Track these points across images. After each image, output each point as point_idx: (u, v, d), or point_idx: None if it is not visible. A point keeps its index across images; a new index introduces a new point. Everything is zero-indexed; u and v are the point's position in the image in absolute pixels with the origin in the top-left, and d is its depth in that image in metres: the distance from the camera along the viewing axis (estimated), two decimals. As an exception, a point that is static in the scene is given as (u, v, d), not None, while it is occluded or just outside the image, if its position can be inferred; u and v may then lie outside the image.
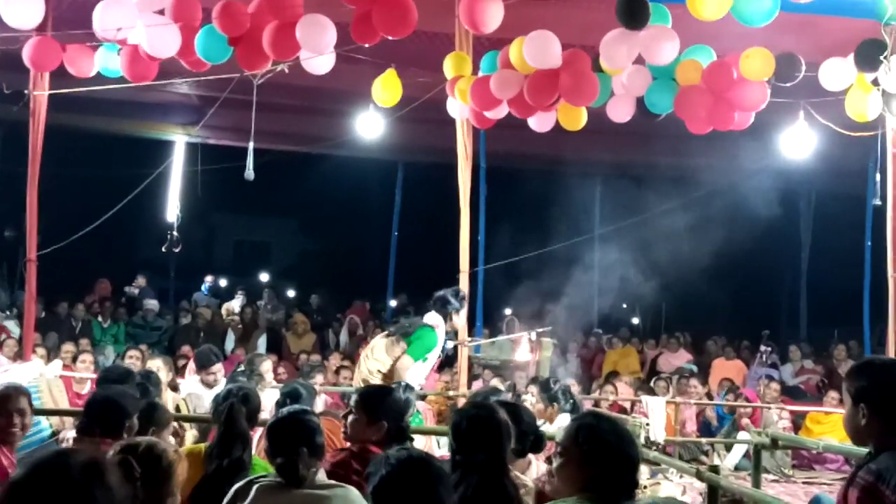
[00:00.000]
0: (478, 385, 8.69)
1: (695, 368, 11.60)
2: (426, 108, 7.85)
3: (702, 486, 5.70)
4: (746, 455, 8.65)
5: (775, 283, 18.35)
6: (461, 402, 7.35)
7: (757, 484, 6.32)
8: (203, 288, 16.66)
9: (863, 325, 11.55)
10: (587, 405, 8.35)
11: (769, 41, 6.52)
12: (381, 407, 3.78)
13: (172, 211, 11.10)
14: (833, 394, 9.53)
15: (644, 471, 6.32)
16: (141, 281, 14.53)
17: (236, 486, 3.25)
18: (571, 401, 5.93)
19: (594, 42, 6.10)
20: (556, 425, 5.48)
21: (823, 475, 8.97)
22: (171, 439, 4.14)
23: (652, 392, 9.61)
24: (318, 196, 21.05)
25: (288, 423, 3.31)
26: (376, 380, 6.13)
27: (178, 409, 6.12)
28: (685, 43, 6.24)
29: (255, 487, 3.16)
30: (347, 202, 21.68)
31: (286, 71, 6.38)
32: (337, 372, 9.52)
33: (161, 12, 5.96)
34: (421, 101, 7.72)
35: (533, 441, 3.83)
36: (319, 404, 6.40)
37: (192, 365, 7.21)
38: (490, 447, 3.18)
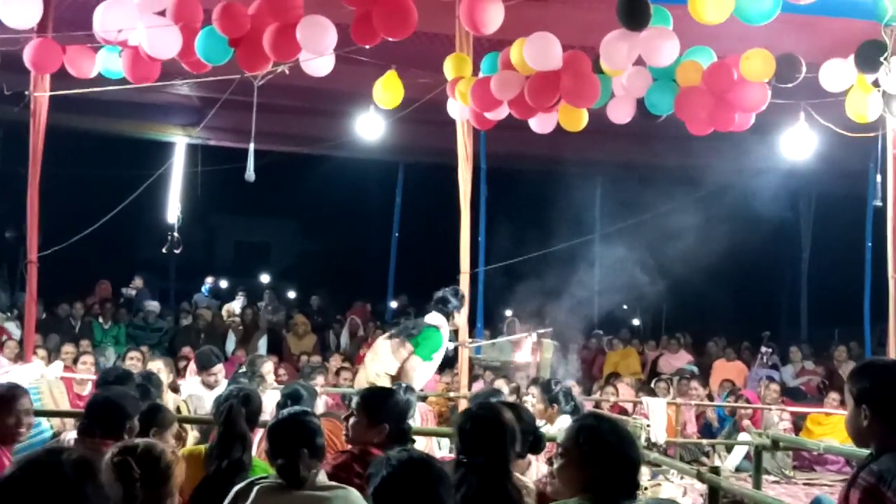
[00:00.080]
0: (478, 386, 8.69)
1: (695, 370, 11.59)
2: (426, 109, 7.85)
3: (702, 487, 5.70)
4: (747, 456, 8.64)
5: (776, 284, 18.35)
6: (462, 403, 7.37)
7: (758, 485, 6.31)
8: (203, 289, 16.66)
9: (863, 326, 11.55)
10: (588, 406, 8.35)
11: (769, 42, 6.52)
12: (383, 409, 3.78)
13: (173, 212, 11.11)
14: (834, 395, 9.53)
15: (645, 472, 6.31)
16: (138, 282, 14.52)
17: (237, 487, 3.25)
18: (572, 403, 5.93)
19: (594, 43, 6.10)
20: (557, 427, 5.47)
21: (824, 476, 8.96)
22: (173, 441, 4.13)
23: (653, 393, 9.60)
24: (319, 197, 21.07)
25: (288, 425, 3.31)
26: (384, 382, 6.13)
27: (178, 410, 6.10)
28: (685, 44, 6.24)
29: (255, 489, 3.17)
30: (348, 203, 21.71)
31: (287, 72, 6.38)
32: (337, 373, 9.52)
33: (162, 13, 5.96)
34: (421, 103, 7.73)
35: (532, 441, 3.82)
36: (320, 405, 6.40)
37: (192, 366, 7.21)
38: (493, 449, 3.17)
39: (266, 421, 4.00)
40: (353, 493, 3.15)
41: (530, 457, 4.00)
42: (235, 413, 3.81)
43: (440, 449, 6.45)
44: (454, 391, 8.50)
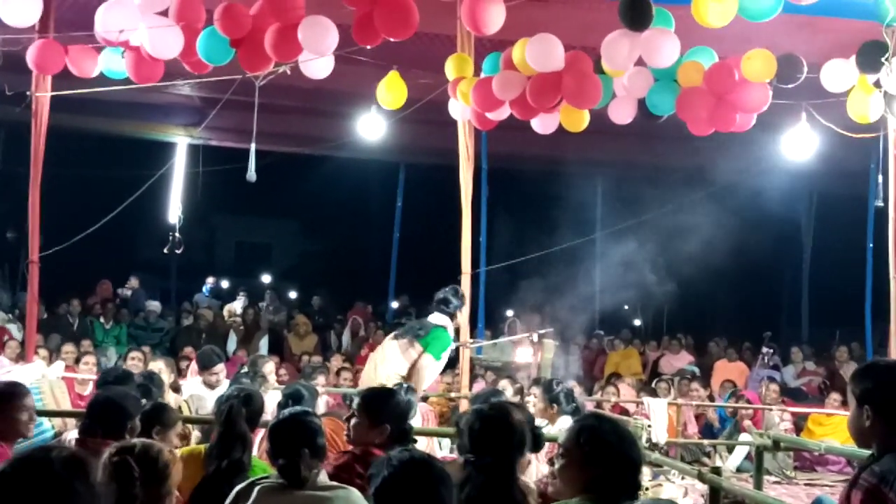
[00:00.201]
0: (478, 386, 8.69)
1: (696, 370, 11.59)
2: (428, 110, 7.85)
3: (703, 487, 5.70)
4: (748, 457, 8.65)
5: (777, 284, 18.35)
6: (463, 403, 7.37)
7: (759, 485, 6.31)
8: (204, 289, 16.67)
9: (864, 327, 11.55)
10: (589, 406, 8.35)
11: (771, 42, 6.52)
12: (384, 409, 3.78)
13: (174, 212, 11.10)
14: (835, 395, 9.53)
15: (646, 472, 6.30)
16: (134, 282, 14.51)
17: (238, 487, 3.26)
18: (574, 404, 5.92)
19: (596, 43, 6.09)
20: (558, 427, 5.47)
21: (825, 477, 8.96)
22: (177, 440, 4.13)
23: (654, 394, 9.60)
24: (320, 197, 21.08)
25: (289, 425, 3.31)
26: (396, 383, 6.15)
27: (180, 410, 6.10)
28: (687, 44, 6.24)
29: (256, 489, 3.17)
30: (349, 203, 21.72)
31: (288, 72, 6.38)
32: (338, 373, 9.52)
33: (163, 14, 5.97)
34: (422, 103, 7.73)
35: (531, 440, 3.81)
36: (321, 405, 6.41)
37: (193, 366, 7.21)
38: (501, 450, 3.15)
39: (267, 421, 4.00)
40: (354, 493, 3.15)
41: (530, 456, 4.00)
42: (235, 413, 3.81)
43: (441, 449, 6.45)
44: (455, 391, 8.50)
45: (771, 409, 9.16)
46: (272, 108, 8.72)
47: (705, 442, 9.37)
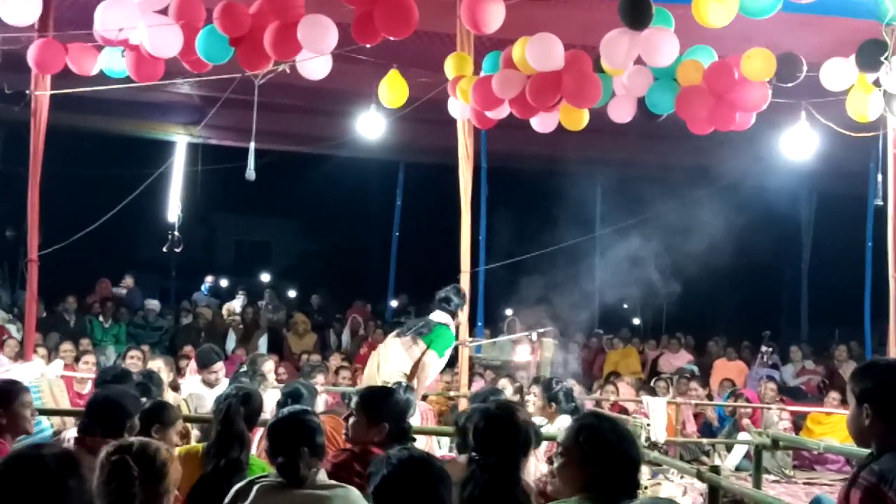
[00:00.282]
0: (477, 385, 8.69)
1: (695, 369, 11.60)
2: (427, 109, 7.85)
3: (702, 486, 5.70)
4: (747, 456, 8.64)
5: (776, 283, 18.35)
6: (462, 402, 7.37)
7: (758, 484, 6.32)
8: (203, 288, 16.66)
9: (864, 326, 11.55)
10: (588, 405, 8.35)
11: (770, 41, 6.52)
12: (383, 408, 3.78)
13: (173, 211, 11.10)
14: (834, 394, 9.53)
15: (645, 471, 6.31)
16: (129, 281, 14.46)
17: (237, 486, 3.26)
18: (573, 403, 5.92)
19: (595, 42, 6.09)
20: (557, 426, 5.47)
21: (824, 476, 8.96)
22: (177, 438, 4.13)
23: (653, 392, 9.60)
24: (319, 196, 21.07)
25: (289, 423, 3.31)
26: (398, 380, 6.16)
27: (179, 409, 6.10)
28: (686, 43, 6.24)
29: (255, 487, 3.17)
30: (348, 202, 21.71)
31: (287, 71, 6.38)
32: (336, 372, 9.52)
33: (162, 12, 5.96)
34: (422, 102, 7.73)
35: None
36: (320, 404, 6.41)
37: (193, 365, 7.21)
38: (505, 449, 3.14)
39: (266, 420, 4.00)
40: (354, 492, 3.15)
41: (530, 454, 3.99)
42: (234, 412, 3.81)
43: (440, 448, 6.46)
44: (454, 390, 8.51)
45: (770, 408, 9.16)
46: (271, 106, 8.71)
47: (704, 441, 9.38)
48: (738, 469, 8.78)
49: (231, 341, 12.32)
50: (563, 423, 5.33)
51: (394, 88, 7.07)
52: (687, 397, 9.77)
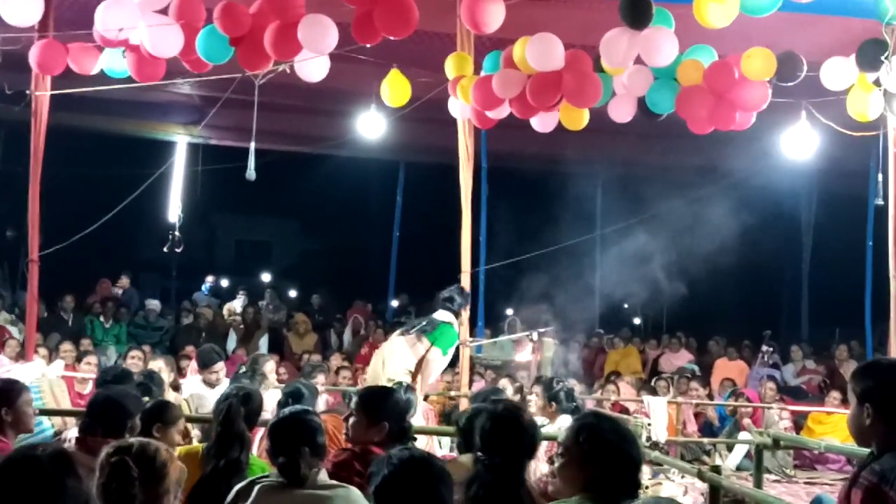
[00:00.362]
0: (478, 385, 8.69)
1: (696, 369, 11.60)
2: (428, 108, 7.86)
3: (703, 486, 5.70)
4: (748, 455, 8.64)
5: (777, 282, 18.34)
6: (462, 402, 7.37)
7: (759, 484, 6.31)
8: (204, 288, 16.66)
9: (864, 326, 11.55)
10: (589, 405, 8.34)
11: (770, 41, 6.52)
12: (383, 408, 3.78)
13: (174, 211, 11.11)
14: (835, 394, 9.52)
15: (646, 471, 6.31)
16: (125, 281, 14.44)
17: (238, 486, 3.26)
18: (573, 403, 5.92)
19: (595, 42, 6.09)
20: (557, 425, 5.47)
21: (825, 475, 8.96)
22: (179, 438, 4.13)
23: (654, 392, 9.60)
24: (320, 196, 21.07)
25: (289, 423, 3.31)
26: (405, 379, 6.18)
27: (180, 408, 6.11)
28: (687, 43, 6.24)
29: (256, 488, 3.17)
30: (349, 202, 21.71)
31: (287, 71, 6.38)
32: (337, 372, 9.52)
33: (162, 12, 5.96)
34: (422, 101, 7.73)
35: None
36: (321, 404, 6.41)
37: (193, 365, 7.21)
38: (510, 450, 3.14)
39: (267, 420, 4.00)
40: (354, 491, 3.15)
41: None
42: (234, 412, 3.81)
43: (441, 448, 6.46)
44: (455, 390, 8.51)
45: (771, 408, 9.16)
46: (272, 106, 8.71)
47: (705, 440, 9.37)
48: (738, 469, 8.78)
49: (232, 341, 12.33)
50: (564, 422, 5.33)
51: (396, 87, 7.08)
52: (688, 397, 9.77)
